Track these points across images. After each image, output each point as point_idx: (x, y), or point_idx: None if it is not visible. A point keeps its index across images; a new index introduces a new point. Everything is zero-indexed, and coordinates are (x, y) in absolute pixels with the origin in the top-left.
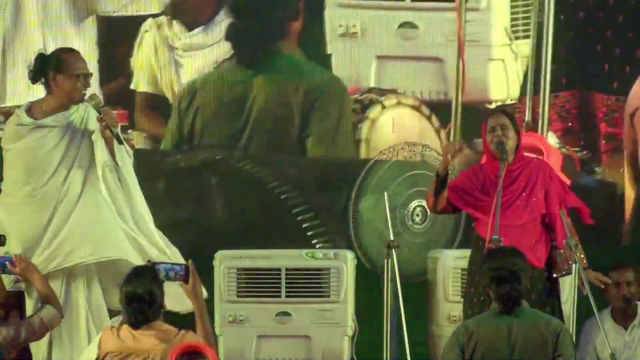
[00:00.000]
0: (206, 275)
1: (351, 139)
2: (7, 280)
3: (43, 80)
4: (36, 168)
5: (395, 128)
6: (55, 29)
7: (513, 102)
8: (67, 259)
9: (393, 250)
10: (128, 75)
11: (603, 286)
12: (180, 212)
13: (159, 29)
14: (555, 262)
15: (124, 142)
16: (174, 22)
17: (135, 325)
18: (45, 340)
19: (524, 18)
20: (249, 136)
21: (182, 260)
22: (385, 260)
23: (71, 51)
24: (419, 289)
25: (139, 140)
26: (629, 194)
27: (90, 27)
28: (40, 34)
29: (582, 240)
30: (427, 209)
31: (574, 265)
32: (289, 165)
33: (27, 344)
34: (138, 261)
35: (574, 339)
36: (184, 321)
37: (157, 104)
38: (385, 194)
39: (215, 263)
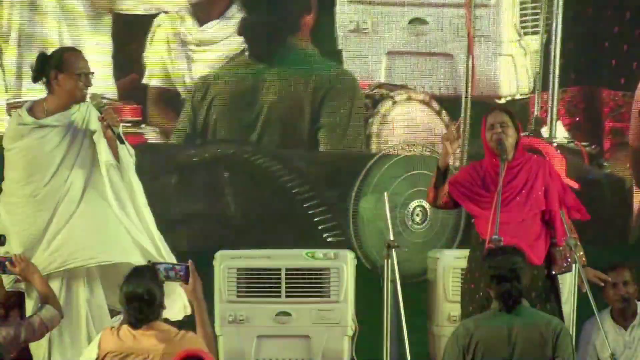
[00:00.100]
0: None
1: (362, 133)
2: (7, 280)
3: (44, 79)
4: (37, 168)
5: (405, 123)
6: (71, 25)
7: (522, 97)
8: (69, 261)
9: (393, 250)
10: (141, 71)
11: (602, 284)
12: (193, 206)
13: (171, 24)
14: (554, 259)
15: (125, 142)
16: (187, 16)
17: (135, 325)
18: (45, 340)
19: (532, 14)
20: (261, 130)
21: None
22: (385, 260)
23: (73, 50)
24: (419, 289)
25: (152, 134)
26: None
27: (105, 23)
28: (56, 30)
29: (590, 237)
30: (428, 204)
31: (573, 264)
32: (300, 160)
33: (27, 344)
34: (140, 263)
35: (573, 339)
36: (183, 321)
37: (169, 98)
38: (385, 194)
39: (215, 263)
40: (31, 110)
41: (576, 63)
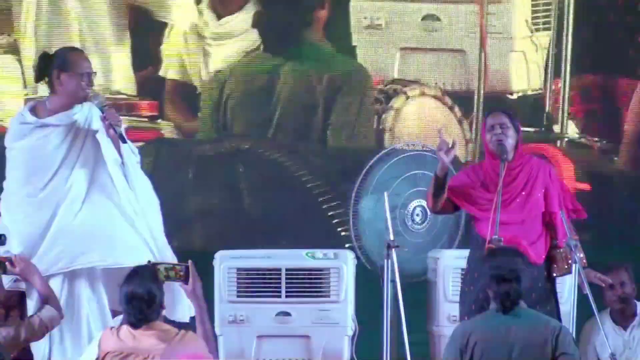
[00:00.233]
0: None
1: (372, 127)
2: (6, 280)
3: (47, 79)
4: (38, 167)
5: (418, 118)
6: (90, 18)
7: (534, 92)
8: (75, 262)
9: (393, 250)
10: (158, 64)
11: (603, 284)
12: (209, 201)
13: (189, 17)
14: (555, 262)
15: (128, 141)
16: (205, 10)
17: (135, 325)
18: (46, 340)
19: (544, 10)
20: (276, 125)
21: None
22: (385, 260)
23: (75, 50)
24: (419, 289)
25: (168, 130)
26: None
27: (123, 16)
28: (76, 23)
29: (600, 236)
30: (428, 209)
31: (573, 265)
32: (315, 154)
33: (27, 343)
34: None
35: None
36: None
37: (185, 92)
38: (385, 194)
39: (215, 263)
40: (33, 110)
41: (590, 53)
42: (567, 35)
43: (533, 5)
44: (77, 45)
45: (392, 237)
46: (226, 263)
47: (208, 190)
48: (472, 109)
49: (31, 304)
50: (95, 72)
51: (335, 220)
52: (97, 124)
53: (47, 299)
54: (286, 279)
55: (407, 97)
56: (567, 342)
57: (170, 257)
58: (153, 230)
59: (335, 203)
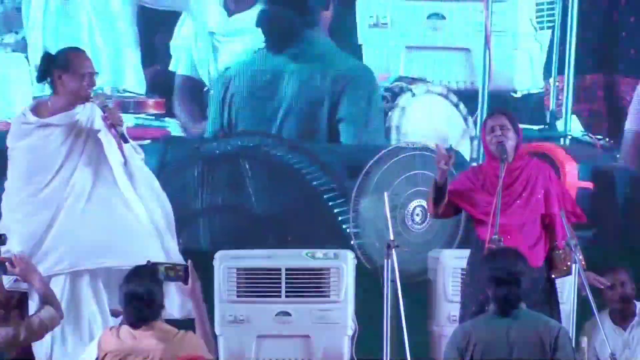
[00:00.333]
0: None
1: (381, 125)
2: (6, 280)
3: (49, 79)
4: (40, 167)
5: (424, 115)
6: (100, 14)
7: (538, 91)
8: (79, 263)
9: (393, 250)
10: (167, 60)
11: (602, 286)
12: (215, 199)
13: (200, 13)
14: (554, 263)
15: (130, 140)
16: (215, 7)
17: (135, 325)
18: (47, 340)
19: (548, 9)
20: (281, 123)
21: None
22: (385, 260)
23: (77, 50)
24: (419, 289)
25: (175, 127)
26: None
27: (132, 14)
28: (86, 18)
29: (602, 238)
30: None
31: (573, 266)
32: (321, 152)
33: (27, 344)
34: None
35: (573, 340)
36: (183, 322)
37: (193, 88)
38: (385, 194)
39: (215, 263)
40: (35, 110)
41: (594, 52)
42: (571, 33)
43: (537, 4)
44: (86, 43)
45: (392, 237)
46: (226, 263)
47: (214, 188)
48: (477, 107)
49: (32, 305)
50: (97, 72)
51: (341, 218)
52: (99, 124)
53: (47, 299)
54: (286, 278)
55: (413, 95)
56: (565, 345)
57: (177, 256)
58: (159, 228)
59: (341, 201)
